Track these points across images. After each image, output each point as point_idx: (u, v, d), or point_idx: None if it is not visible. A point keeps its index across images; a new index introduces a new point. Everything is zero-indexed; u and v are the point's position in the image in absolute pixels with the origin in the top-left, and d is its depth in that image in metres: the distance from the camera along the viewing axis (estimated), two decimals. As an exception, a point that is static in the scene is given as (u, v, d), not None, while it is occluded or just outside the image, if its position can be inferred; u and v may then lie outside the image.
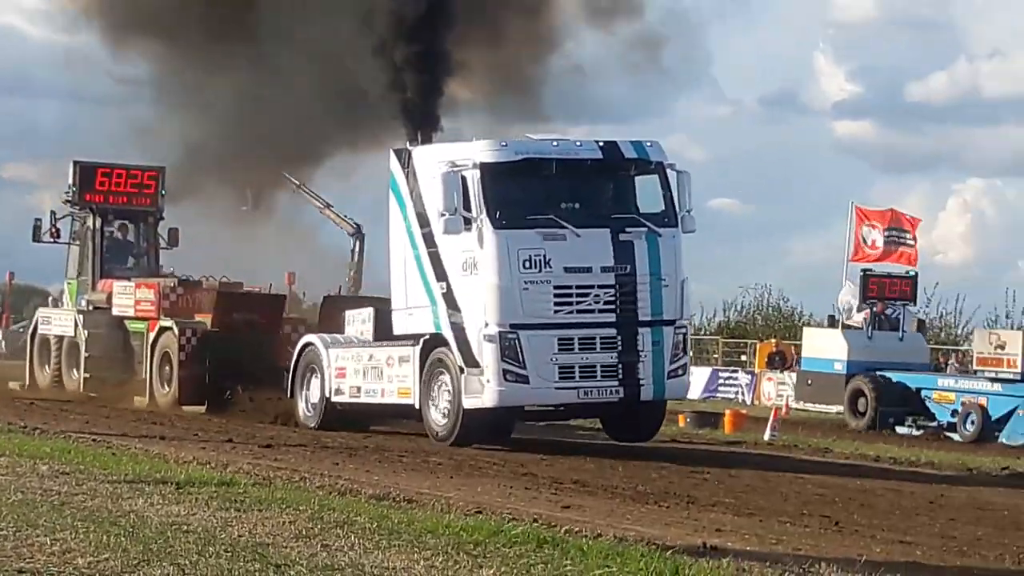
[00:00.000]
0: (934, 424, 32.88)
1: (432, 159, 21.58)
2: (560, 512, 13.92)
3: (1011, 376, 31.68)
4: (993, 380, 32.02)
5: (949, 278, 75.16)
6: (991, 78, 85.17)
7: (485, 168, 20.69)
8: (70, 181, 30.67)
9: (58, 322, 30.83)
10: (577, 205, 21.15)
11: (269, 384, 25.25)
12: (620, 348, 20.83)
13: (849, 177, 77.19)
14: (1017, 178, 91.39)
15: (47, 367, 30.74)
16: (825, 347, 36.58)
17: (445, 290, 21.25)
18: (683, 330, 21.34)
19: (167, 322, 27.52)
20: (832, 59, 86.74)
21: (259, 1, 30.92)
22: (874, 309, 36.29)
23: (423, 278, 21.68)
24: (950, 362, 42.24)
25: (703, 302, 54.53)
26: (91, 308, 30.12)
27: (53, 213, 31.23)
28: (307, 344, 24.36)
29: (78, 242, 31.09)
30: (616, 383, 20.88)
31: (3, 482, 13.44)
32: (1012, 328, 46.34)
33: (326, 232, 39.87)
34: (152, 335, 27.75)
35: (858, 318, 37.04)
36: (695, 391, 36.79)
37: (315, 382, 24.03)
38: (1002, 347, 32.09)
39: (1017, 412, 31.42)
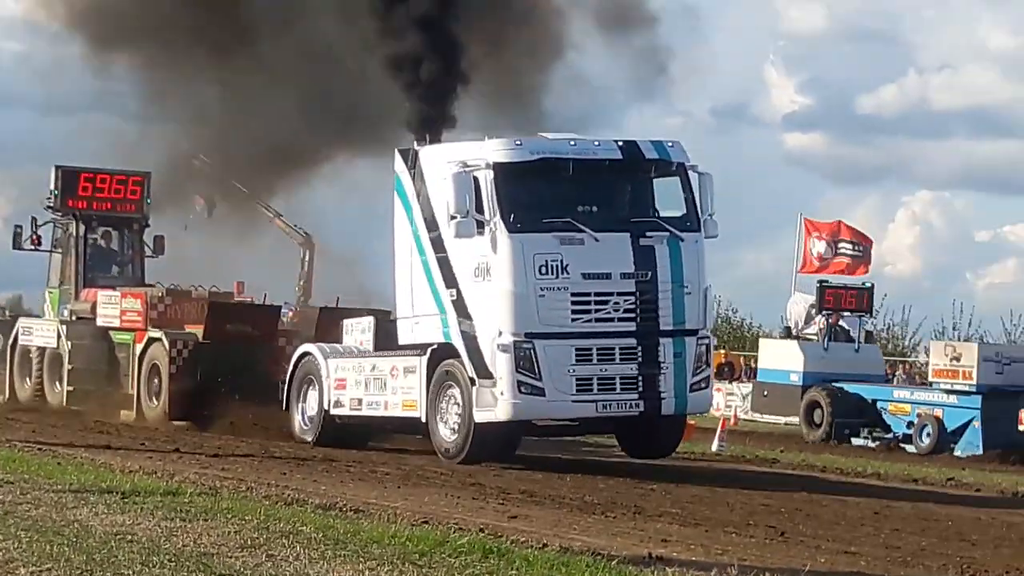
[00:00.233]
0: (890, 436, 32.89)
1: (441, 159, 20.50)
2: (507, 522, 13.91)
3: (966, 388, 31.76)
4: (949, 392, 32.12)
5: (898, 289, 75.59)
6: (940, 91, 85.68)
7: (499, 168, 19.59)
8: (52, 186, 29.40)
9: (40, 332, 29.33)
10: (595, 208, 20.10)
11: (263, 397, 24.22)
12: (640, 359, 19.76)
13: (799, 189, 77.37)
14: (965, 190, 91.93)
15: (28, 380, 29.30)
16: (781, 358, 36.45)
17: (455, 297, 20.16)
18: (706, 341, 20.26)
19: (156, 333, 26.25)
20: (783, 71, 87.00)
21: (250, 2, 30.10)
22: (829, 320, 36.43)
23: (431, 285, 20.59)
24: (897, 373, 42.49)
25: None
26: (74, 318, 28.87)
27: (34, 219, 29.89)
28: (304, 354, 23.25)
29: (60, 250, 29.82)
30: (636, 396, 19.81)
31: (-54, 493, 13.37)
32: (959, 339, 46.72)
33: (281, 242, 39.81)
34: (139, 347, 26.50)
35: (810, 330, 37.19)
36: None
37: (312, 394, 22.94)
38: (957, 359, 32.15)
39: (972, 424, 31.53)
